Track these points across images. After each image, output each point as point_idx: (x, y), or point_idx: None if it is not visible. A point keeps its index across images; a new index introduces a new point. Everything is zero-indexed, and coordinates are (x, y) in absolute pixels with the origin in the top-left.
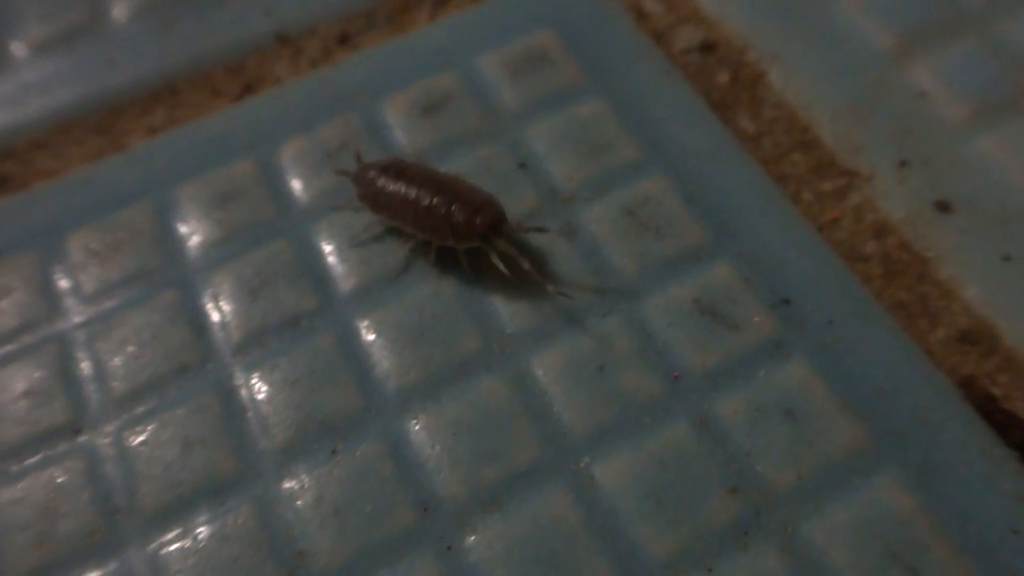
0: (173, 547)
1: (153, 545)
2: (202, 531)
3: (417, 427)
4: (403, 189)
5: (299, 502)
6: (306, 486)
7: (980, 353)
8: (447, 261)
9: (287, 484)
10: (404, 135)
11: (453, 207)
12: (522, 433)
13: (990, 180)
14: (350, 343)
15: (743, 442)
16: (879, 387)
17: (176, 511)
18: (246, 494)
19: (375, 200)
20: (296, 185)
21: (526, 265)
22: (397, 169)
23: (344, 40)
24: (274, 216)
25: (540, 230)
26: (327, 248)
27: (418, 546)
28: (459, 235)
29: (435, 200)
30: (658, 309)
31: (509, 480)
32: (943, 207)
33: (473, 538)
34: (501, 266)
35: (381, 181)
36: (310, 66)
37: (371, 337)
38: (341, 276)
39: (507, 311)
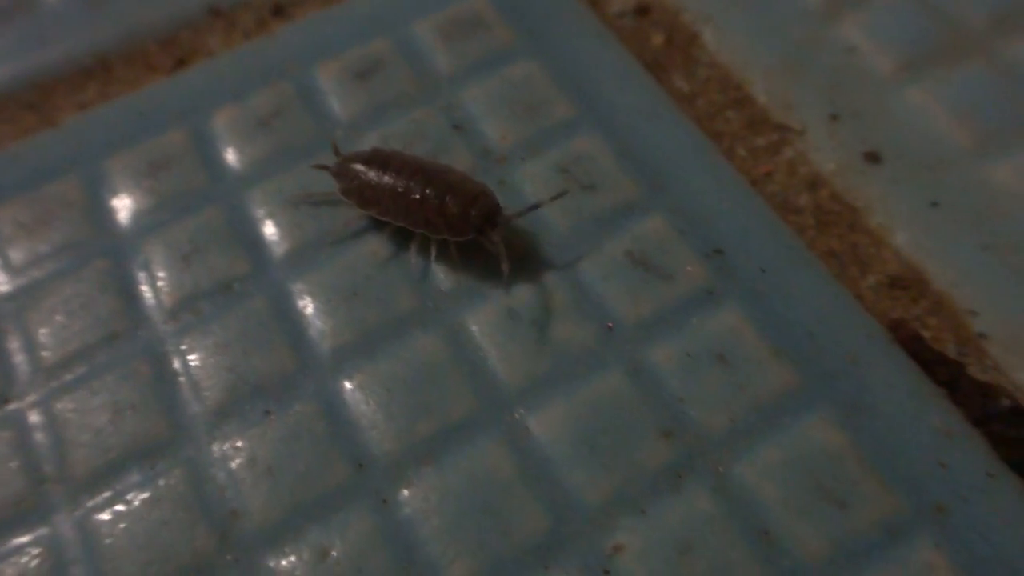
0: (103, 512)
1: (82, 510)
2: (132, 495)
3: (351, 386)
4: (391, 181)
5: (232, 463)
6: (239, 447)
7: (910, 298)
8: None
9: (219, 446)
10: (338, 101)
11: (447, 199)
12: (457, 387)
13: (917, 129)
14: (283, 306)
15: (676, 388)
16: (809, 331)
17: (106, 476)
18: (177, 457)
19: (361, 195)
20: (228, 153)
21: (506, 268)
22: (381, 160)
23: (278, 11)
24: (206, 183)
25: (535, 207)
26: (260, 213)
27: (353, 501)
28: (454, 228)
29: (427, 192)
30: (592, 262)
31: (444, 433)
32: (872, 158)
33: (408, 491)
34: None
35: (366, 174)
36: (244, 38)
37: (305, 299)
38: (274, 240)
39: (442, 269)
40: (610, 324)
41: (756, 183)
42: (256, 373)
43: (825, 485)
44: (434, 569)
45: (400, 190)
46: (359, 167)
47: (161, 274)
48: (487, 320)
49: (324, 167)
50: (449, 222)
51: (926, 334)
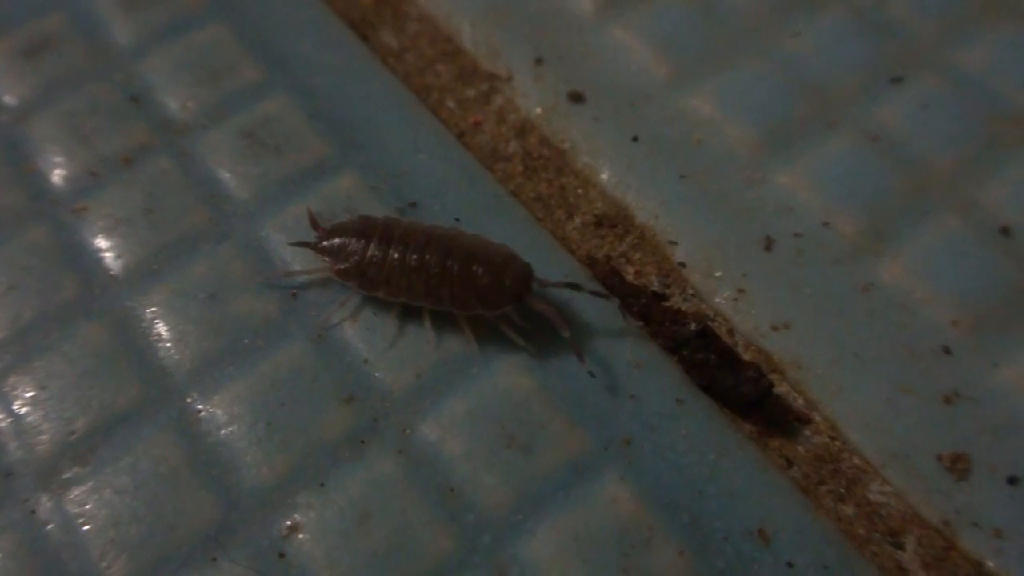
0: None
1: None
2: None
3: None
4: (400, 256)
5: None
6: None
7: (616, 235)
8: None
9: None
10: (2, 83)
11: (474, 268)
12: (123, 377)
13: (618, 66)
14: None
15: (361, 350)
16: None
17: None
18: None
19: (363, 276)
20: None
21: (567, 333)
22: (380, 231)
23: None
24: None
25: (572, 287)
26: None
27: None
28: (488, 302)
29: (448, 263)
30: (276, 228)
31: (105, 429)
32: (576, 97)
33: (60, 497)
34: (516, 338)
35: (367, 251)
36: None
37: None
38: None
39: (113, 251)
40: (294, 291)
41: (465, 134)
42: None
43: (511, 432)
44: None
45: (414, 265)
46: (355, 243)
47: None
48: (160, 300)
49: (304, 244)
50: (481, 295)
51: (631, 269)
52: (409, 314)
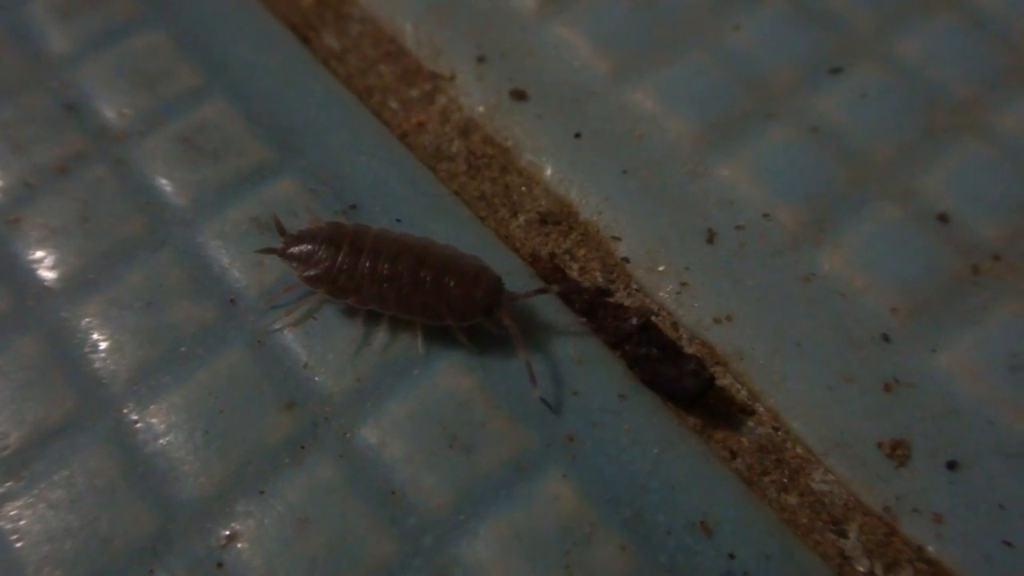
0: None
1: None
2: None
3: None
4: (372, 265)
5: None
6: None
7: (561, 232)
8: None
9: None
10: None
11: (446, 280)
12: (57, 390)
13: (560, 63)
14: None
15: (301, 354)
16: None
17: None
18: None
19: (334, 283)
20: None
21: (524, 356)
22: (350, 239)
23: None
24: None
25: (543, 291)
26: None
27: None
28: (458, 313)
29: (421, 274)
30: (214, 234)
31: (38, 443)
32: (519, 95)
33: None
34: (464, 340)
35: (337, 259)
36: None
37: None
38: None
39: (47, 262)
40: (232, 297)
41: (408, 135)
42: None
43: (453, 432)
44: None
45: (386, 274)
46: (324, 249)
47: None
48: (95, 312)
49: (271, 251)
50: (452, 306)
51: (575, 265)
52: (354, 316)
